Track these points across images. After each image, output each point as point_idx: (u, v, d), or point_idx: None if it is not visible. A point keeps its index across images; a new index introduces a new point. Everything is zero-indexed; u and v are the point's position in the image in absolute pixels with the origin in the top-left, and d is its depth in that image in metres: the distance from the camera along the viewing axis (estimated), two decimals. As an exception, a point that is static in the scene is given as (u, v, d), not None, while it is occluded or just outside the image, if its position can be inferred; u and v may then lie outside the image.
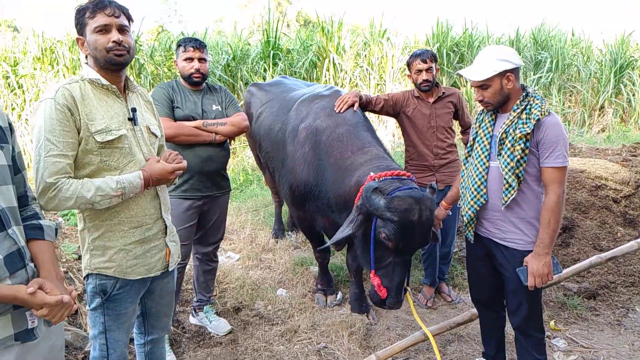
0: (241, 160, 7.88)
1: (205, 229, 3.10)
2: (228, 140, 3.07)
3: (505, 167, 2.23)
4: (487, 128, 2.38)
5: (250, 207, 5.76)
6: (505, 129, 2.25)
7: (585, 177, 5.04)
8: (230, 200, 5.88)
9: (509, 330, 2.89)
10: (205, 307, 3.31)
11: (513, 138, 2.21)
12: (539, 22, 11.14)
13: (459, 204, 2.62)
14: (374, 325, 3.32)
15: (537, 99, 2.25)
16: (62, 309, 1.45)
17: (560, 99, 10.11)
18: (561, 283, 3.69)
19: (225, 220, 3.27)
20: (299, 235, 4.87)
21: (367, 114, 3.57)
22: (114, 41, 1.75)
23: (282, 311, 3.50)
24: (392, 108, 3.59)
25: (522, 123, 2.20)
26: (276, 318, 3.42)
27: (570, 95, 10.54)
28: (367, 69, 9.20)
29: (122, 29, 1.79)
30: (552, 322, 3.34)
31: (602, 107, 10.34)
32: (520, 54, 10.10)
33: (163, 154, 1.99)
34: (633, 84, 10.39)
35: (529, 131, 2.17)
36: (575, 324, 3.38)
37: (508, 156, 2.22)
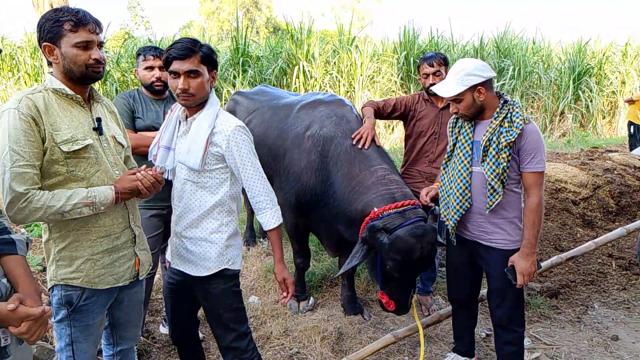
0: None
1: None
2: None
3: (491, 173, 2.31)
4: (467, 134, 2.44)
5: (220, 214, 5.71)
6: (489, 137, 2.32)
7: (546, 181, 5.25)
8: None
9: (477, 331, 2.99)
10: (175, 317, 3.27)
11: (498, 146, 2.28)
12: (502, 30, 11.54)
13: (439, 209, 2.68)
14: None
15: (517, 107, 2.33)
16: (41, 326, 1.41)
17: (523, 105, 10.47)
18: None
19: None
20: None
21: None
22: (95, 59, 1.77)
23: (254, 318, 3.49)
24: (400, 112, 3.51)
25: (506, 131, 2.27)
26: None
27: (532, 102, 10.94)
28: (336, 76, 9.30)
29: (100, 45, 1.81)
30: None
31: (562, 112, 10.77)
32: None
33: (133, 168, 1.98)
34: (591, 91, 10.86)
35: (514, 139, 2.25)
36: (538, 322, 3.51)
37: (493, 163, 2.30)
